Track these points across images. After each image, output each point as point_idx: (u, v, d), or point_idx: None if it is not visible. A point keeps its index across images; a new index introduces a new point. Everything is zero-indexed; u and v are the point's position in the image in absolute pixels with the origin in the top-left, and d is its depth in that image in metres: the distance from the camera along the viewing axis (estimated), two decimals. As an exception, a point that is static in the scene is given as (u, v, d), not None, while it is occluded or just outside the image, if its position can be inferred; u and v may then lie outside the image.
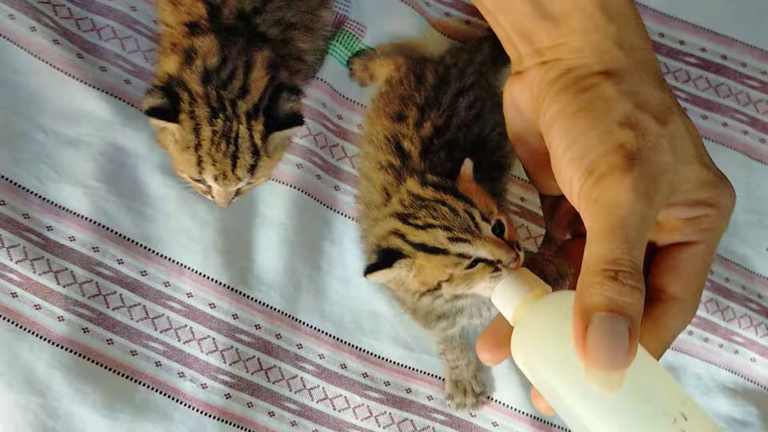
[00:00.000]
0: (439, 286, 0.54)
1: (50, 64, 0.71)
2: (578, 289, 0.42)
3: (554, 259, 0.56)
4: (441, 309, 0.61)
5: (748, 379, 0.77)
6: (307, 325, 0.73)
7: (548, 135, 0.48)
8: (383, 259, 0.54)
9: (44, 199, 0.70)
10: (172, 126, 0.61)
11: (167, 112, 0.60)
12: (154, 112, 0.60)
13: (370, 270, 0.54)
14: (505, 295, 0.50)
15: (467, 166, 0.57)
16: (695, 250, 0.48)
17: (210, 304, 0.72)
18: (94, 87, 0.71)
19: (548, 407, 0.47)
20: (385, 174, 0.64)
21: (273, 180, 0.74)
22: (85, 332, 0.69)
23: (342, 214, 0.76)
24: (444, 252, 0.53)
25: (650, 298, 0.47)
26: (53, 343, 0.67)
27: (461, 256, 0.52)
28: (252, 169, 0.62)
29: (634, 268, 0.41)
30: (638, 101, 0.46)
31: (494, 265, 0.52)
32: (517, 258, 0.52)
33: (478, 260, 0.52)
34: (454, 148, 0.64)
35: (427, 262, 0.53)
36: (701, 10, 0.80)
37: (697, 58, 0.80)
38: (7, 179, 0.69)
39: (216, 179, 0.62)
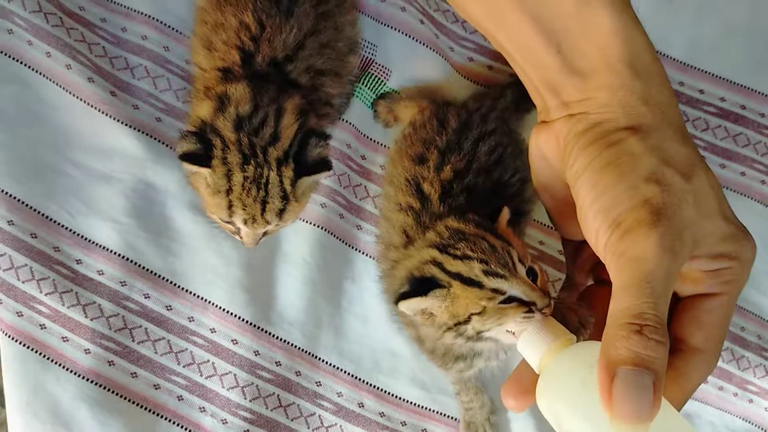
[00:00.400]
0: (468, 320, 0.55)
1: (84, 101, 0.73)
2: (604, 342, 0.43)
3: (576, 308, 0.57)
4: (460, 350, 0.62)
5: (762, 429, 0.78)
6: (327, 362, 0.75)
7: (575, 186, 0.50)
8: (417, 287, 0.55)
9: (74, 232, 0.72)
10: (204, 171, 0.63)
11: (200, 158, 0.62)
12: (187, 157, 0.62)
13: (403, 297, 0.55)
14: (531, 343, 0.51)
15: (505, 213, 0.59)
16: (717, 302, 0.49)
17: (233, 340, 0.73)
18: (126, 125, 0.73)
19: None
20: (405, 215, 0.65)
21: (298, 219, 0.76)
22: (110, 365, 0.70)
23: (363, 253, 0.77)
24: (479, 285, 0.54)
25: (672, 348, 0.48)
26: (79, 375, 0.69)
27: (496, 291, 0.54)
28: (280, 213, 0.64)
29: (659, 323, 0.42)
30: (664, 157, 0.47)
31: (528, 306, 0.53)
32: (550, 305, 0.54)
33: (512, 299, 0.54)
34: (474, 192, 0.66)
35: (462, 292, 0.54)
36: (721, 61, 0.81)
37: (717, 107, 0.81)
38: (38, 212, 0.71)
39: (245, 222, 0.64)
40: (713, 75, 0.81)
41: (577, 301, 0.60)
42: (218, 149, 0.62)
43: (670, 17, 0.81)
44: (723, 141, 0.81)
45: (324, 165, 0.65)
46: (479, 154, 0.68)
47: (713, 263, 0.48)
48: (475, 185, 0.66)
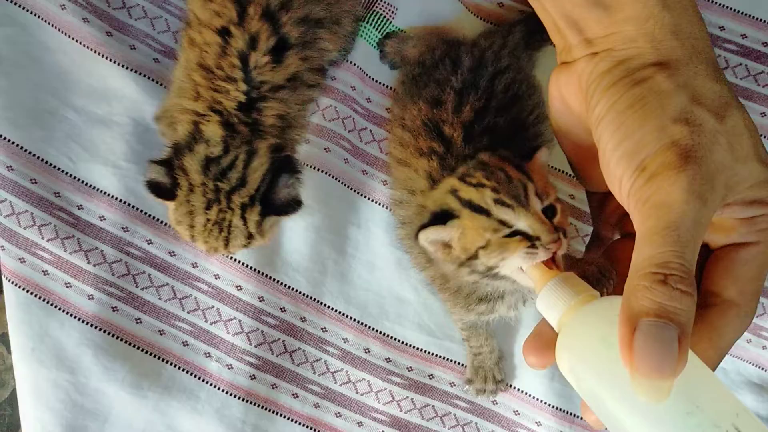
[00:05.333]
0: (476, 255, 0.56)
1: (80, 43, 0.74)
2: (625, 293, 0.42)
3: (595, 259, 0.57)
4: (484, 290, 0.64)
5: (775, 375, 0.81)
6: (332, 309, 0.78)
7: (597, 131, 0.48)
8: (434, 219, 0.57)
9: (75, 178, 0.74)
10: (168, 203, 0.65)
11: (165, 191, 0.64)
12: (152, 187, 0.64)
13: (423, 227, 0.57)
14: (550, 300, 0.49)
15: (544, 153, 0.59)
16: (753, 252, 0.48)
17: (237, 286, 0.76)
18: (123, 66, 0.75)
19: (597, 420, 0.46)
20: (428, 160, 0.66)
21: (301, 163, 0.78)
22: (114, 311, 0.73)
23: (369, 198, 0.79)
24: (487, 213, 0.55)
25: (704, 303, 0.47)
26: (83, 321, 0.72)
27: (502, 222, 0.55)
28: (246, 246, 0.67)
29: (685, 272, 0.41)
30: (694, 95, 0.46)
31: (532, 241, 0.54)
32: (559, 241, 0.53)
33: (517, 232, 0.54)
34: (495, 131, 0.67)
35: (470, 221, 0.56)
36: (743, -5, 0.81)
37: (738, 44, 0.81)
38: (38, 157, 0.74)
39: (207, 251, 0.67)
40: (734, 10, 0.81)
41: (601, 257, 0.60)
42: (183, 189, 0.64)
43: (690, -51, 0.81)
44: (743, 80, 0.81)
45: (293, 206, 0.66)
46: (496, 92, 0.69)
47: (748, 210, 0.47)
48: (496, 125, 0.67)
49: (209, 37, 0.66)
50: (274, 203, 0.66)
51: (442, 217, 0.57)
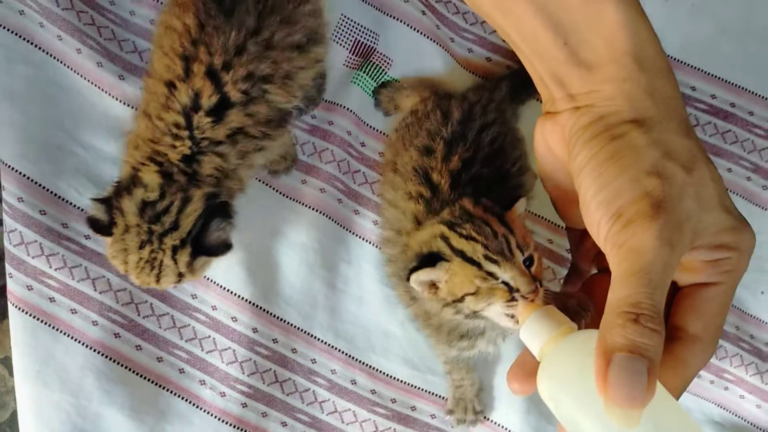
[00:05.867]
0: (462, 299, 0.61)
1: (95, 85, 0.79)
2: (601, 329, 0.47)
3: (574, 293, 0.63)
4: (465, 327, 0.69)
5: (736, 415, 0.86)
6: (322, 341, 0.82)
7: (578, 178, 0.53)
8: (425, 261, 0.62)
9: (82, 210, 0.79)
10: (105, 238, 0.69)
11: (103, 228, 0.68)
12: (91, 222, 0.68)
13: (415, 269, 0.62)
14: (532, 331, 0.55)
15: (522, 204, 0.65)
16: (716, 291, 0.52)
17: (232, 318, 0.81)
18: (133, 108, 0.80)
19: None
20: (415, 203, 0.71)
21: (297, 202, 0.83)
22: (116, 337, 0.78)
23: (360, 237, 0.84)
24: (478, 265, 0.60)
25: (671, 336, 0.52)
26: (87, 346, 0.77)
27: (490, 274, 0.60)
28: (178, 282, 0.70)
29: (655, 312, 0.45)
30: (666, 150, 0.50)
31: (512, 292, 0.59)
32: (536, 290, 0.59)
33: (503, 283, 0.60)
34: (480, 181, 0.72)
35: (461, 269, 0.61)
36: (713, 59, 0.88)
37: (707, 104, 0.88)
38: (47, 190, 0.78)
39: (140, 285, 0.70)
40: (705, 72, 0.88)
41: (579, 290, 0.66)
42: (119, 228, 0.68)
43: (665, 15, 0.87)
44: (712, 137, 0.88)
45: (222, 249, 0.69)
46: (483, 144, 0.74)
47: (713, 253, 0.51)
48: (481, 174, 0.72)
49: (158, 87, 0.69)
50: (204, 245, 0.69)
51: (431, 259, 0.62)
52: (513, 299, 0.60)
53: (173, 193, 0.68)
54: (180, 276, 0.69)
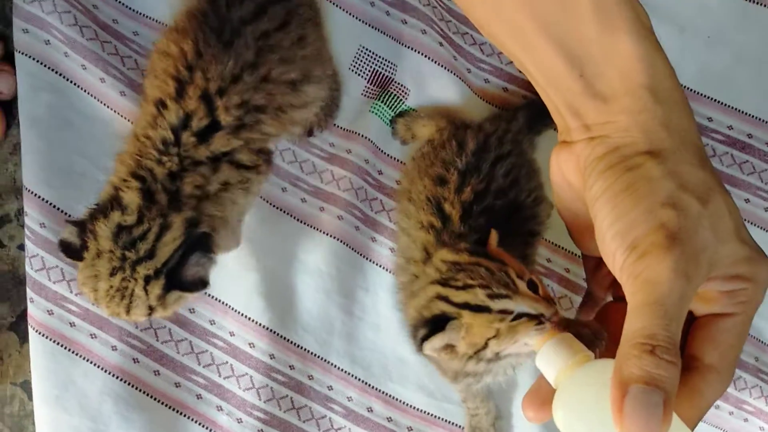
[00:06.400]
0: (486, 345, 0.61)
1: (117, 113, 0.81)
2: (617, 360, 0.48)
3: (589, 322, 0.64)
4: (474, 368, 0.68)
5: (755, 447, 0.86)
6: (338, 368, 0.83)
7: (593, 208, 0.54)
8: (434, 326, 0.61)
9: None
10: (78, 263, 0.67)
11: (74, 252, 0.67)
12: (62, 245, 0.67)
13: (425, 339, 0.61)
14: (548, 359, 0.56)
15: (493, 236, 0.65)
16: (732, 322, 0.53)
17: (250, 344, 0.82)
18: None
19: None
20: (426, 233, 0.72)
21: (315, 229, 0.84)
22: (135, 362, 0.79)
23: (377, 264, 0.85)
24: (487, 309, 0.60)
25: (687, 366, 0.52)
26: (106, 371, 0.78)
27: (504, 311, 0.59)
28: (148, 316, 0.68)
29: (671, 344, 0.46)
30: (681, 182, 0.51)
31: (538, 319, 0.59)
32: (557, 312, 0.59)
33: (520, 315, 0.59)
34: (492, 213, 0.72)
35: (473, 320, 0.60)
36: (730, 90, 0.88)
37: (724, 135, 0.88)
38: (69, 215, 0.80)
39: (109, 315, 0.68)
40: (722, 103, 0.89)
41: (594, 318, 0.67)
42: (91, 253, 0.66)
43: (681, 45, 0.88)
44: (729, 168, 0.88)
45: (198, 286, 0.67)
46: (497, 176, 0.75)
47: (729, 284, 0.52)
48: (494, 206, 0.73)
49: (147, 108, 0.70)
50: (180, 279, 0.66)
51: (438, 322, 0.61)
52: (540, 323, 0.59)
53: (152, 218, 0.66)
54: (150, 309, 0.67)
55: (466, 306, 0.60)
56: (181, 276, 0.66)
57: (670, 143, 0.52)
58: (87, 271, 0.66)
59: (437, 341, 0.61)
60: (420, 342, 0.62)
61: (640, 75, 0.53)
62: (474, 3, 0.60)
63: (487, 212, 0.72)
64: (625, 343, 0.48)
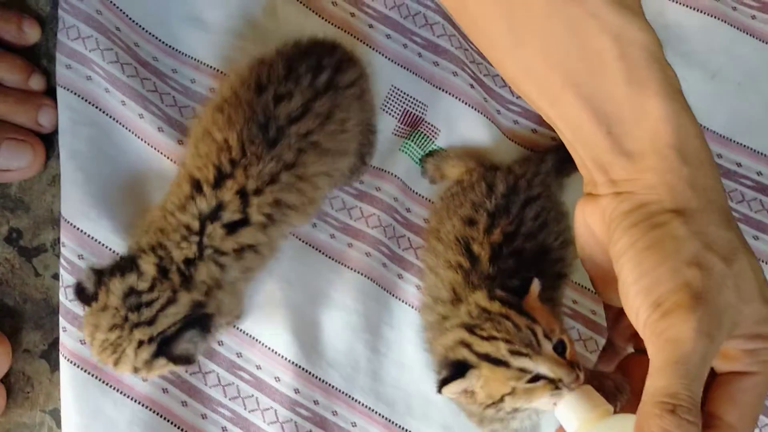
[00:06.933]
0: (502, 400, 0.61)
1: (154, 148, 0.84)
2: (638, 418, 0.49)
3: (612, 375, 0.64)
4: (499, 416, 0.68)
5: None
6: (362, 404, 0.84)
7: (618, 263, 0.55)
8: (455, 371, 0.62)
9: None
10: (86, 307, 0.71)
11: (85, 297, 0.70)
12: (77, 288, 0.71)
13: (444, 383, 0.62)
14: (569, 411, 0.57)
15: (536, 285, 0.65)
16: (753, 381, 0.54)
17: (275, 378, 0.83)
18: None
19: None
20: (454, 273, 0.73)
21: (342, 264, 0.85)
22: (164, 392, 0.81)
23: (403, 301, 0.86)
24: (506, 364, 0.60)
25: (707, 424, 0.52)
26: (135, 401, 0.80)
27: (522, 370, 0.60)
28: (134, 374, 0.71)
29: (692, 404, 0.47)
30: (706, 242, 0.51)
31: (555, 384, 0.59)
32: (578, 378, 0.59)
33: (539, 377, 0.60)
34: (521, 256, 0.73)
35: (491, 373, 0.61)
36: (760, 136, 0.89)
37: (753, 180, 0.89)
38: (106, 247, 0.82)
39: (97, 361, 0.72)
40: (752, 149, 0.89)
41: (616, 369, 0.67)
42: (100, 303, 0.69)
43: (712, 91, 0.89)
44: (758, 213, 0.89)
45: (183, 361, 0.70)
46: (526, 219, 0.76)
47: (751, 343, 0.52)
48: (523, 249, 0.74)
49: (183, 184, 0.72)
50: (170, 350, 0.69)
51: (460, 368, 0.62)
52: (557, 388, 0.60)
53: (162, 289, 0.70)
54: (135, 370, 0.70)
55: (486, 357, 0.61)
56: (172, 347, 0.69)
57: (696, 203, 0.53)
58: (91, 318, 0.70)
59: (455, 387, 0.62)
60: (440, 384, 0.63)
61: (668, 135, 0.54)
62: (503, 59, 0.61)
63: (516, 254, 0.73)
64: (647, 401, 0.49)
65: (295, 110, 0.73)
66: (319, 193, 0.78)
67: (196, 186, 0.72)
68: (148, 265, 0.71)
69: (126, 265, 0.71)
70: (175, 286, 0.70)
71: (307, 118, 0.73)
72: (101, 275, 0.70)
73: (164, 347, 0.69)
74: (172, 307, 0.70)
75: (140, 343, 0.69)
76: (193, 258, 0.71)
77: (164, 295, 0.70)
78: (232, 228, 0.72)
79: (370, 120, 0.85)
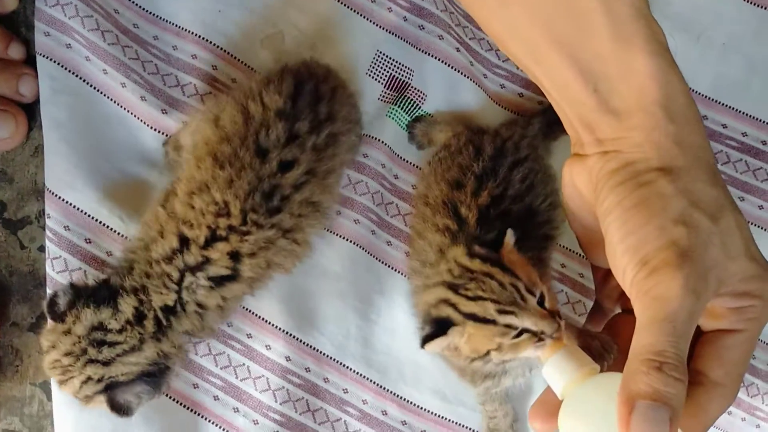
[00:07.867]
0: (488, 354, 0.63)
1: (137, 118, 0.84)
2: (625, 375, 0.49)
3: (599, 334, 0.66)
4: (488, 369, 0.70)
5: (767, 453, 0.88)
6: (354, 371, 0.85)
7: (604, 222, 0.56)
8: (437, 328, 0.64)
9: (125, 237, 0.82)
10: (50, 322, 0.71)
11: (55, 314, 0.70)
12: (50, 301, 0.71)
13: (426, 340, 0.64)
14: (555, 370, 0.58)
15: (509, 236, 0.66)
16: (739, 338, 0.55)
17: (266, 346, 0.84)
18: (175, 140, 0.84)
19: None
20: (442, 236, 0.73)
21: (331, 233, 0.86)
22: (154, 364, 0.81)
23: (392, 268, 0.87)
24: (493, 322, 0.61)
25: (692, 381, 0.53)
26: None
27: (508, 326, 0.61)
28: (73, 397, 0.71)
29: (678, 361, 0.48)
30: (693, 199, 0.52)
31: (538, 336, 0.61)
32: (560, 329, 0.61)
33: (524, 330, 0.61)
34: (508, 218, 0.74)
35: (476, 330, 0.62)
36: (745, 97, 0.90)
37: (738, 141, 0.90)
38: (92, 217, 0.82)
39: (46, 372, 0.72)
40: (737, 110, 0.90)
41: (603, 330, 0.68)
42: (65, 325, 0.69)
43: (697, 54, 0.90)
44: (743, 175, 0.90)
45: (120, 411, 0.70)
46: (514, 181, 0.76)
47: (737, 301, 0.53)
48: (510, 211, 0.74)
49: (170, 235, 0.71)
50: (114, 395, 0.69)
51: (442, 325, 0.63)
52: (540, 339, 0.61)
53: (132, 335, 0.70)
54: (77, 397, 0.71)
55: (472, 317, 0.62)
56: (117, 394, 0.69)
57: (683, 160, 0.54)
58: (51, 336, 0.70)
59: (438, 344, 0.63)
60: (423, 341, 0.64)
61: (654, 92, 0.54)
62: (490, 19, 0.61)
63: (504, 216, 0.74)
64: (634, 358, 0.49)
65: (301, 177, 0.73)
66: (304, 239, 0.78)
67: (185, 243, 0.71)
68: (126, 306, 0.70)
69: (105, 297, 0.70)
70: (145, 336, 0.70)
71: (312, 184, 0.74)
72: (77, 296, 0.70)
73: (109, 390, 0.69)
74: (133, 356, 0.70)
75: (88, 379, 0.69)
76: (173, 306, 0.71)
77: (130, 342, 0.69)
78: (218, 282, 0.72)
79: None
